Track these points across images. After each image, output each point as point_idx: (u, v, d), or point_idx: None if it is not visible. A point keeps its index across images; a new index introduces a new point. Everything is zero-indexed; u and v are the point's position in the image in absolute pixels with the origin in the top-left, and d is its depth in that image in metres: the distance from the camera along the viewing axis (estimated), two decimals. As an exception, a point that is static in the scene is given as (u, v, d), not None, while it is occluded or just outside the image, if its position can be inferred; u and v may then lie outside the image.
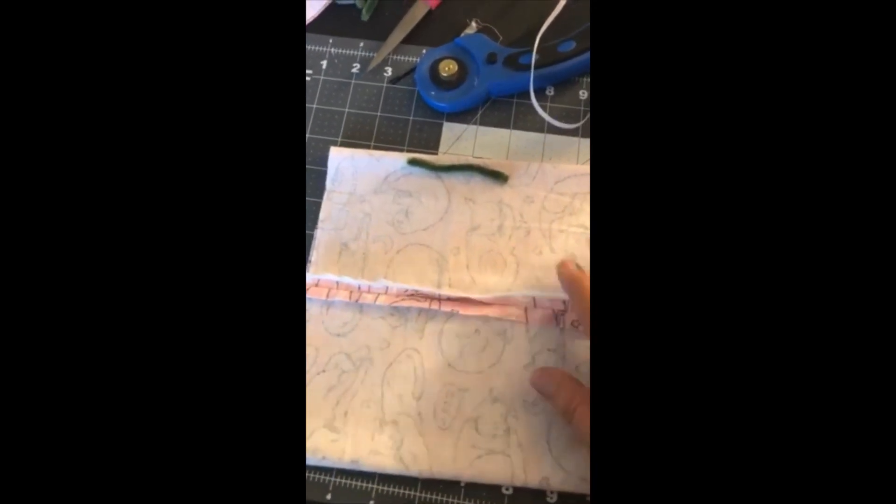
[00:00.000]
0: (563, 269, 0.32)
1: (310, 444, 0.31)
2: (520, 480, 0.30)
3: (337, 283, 0.35)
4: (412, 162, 0.37)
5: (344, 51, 0.41)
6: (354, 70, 0.40)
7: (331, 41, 0.41)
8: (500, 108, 0.39)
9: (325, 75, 0.40)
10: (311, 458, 0.31)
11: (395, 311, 0.34)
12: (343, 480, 0.31)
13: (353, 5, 0.42)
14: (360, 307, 0.34)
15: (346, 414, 0.32)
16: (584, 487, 0.30)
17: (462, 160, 0.37)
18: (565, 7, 0.38)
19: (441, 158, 0.37)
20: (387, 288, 0.34)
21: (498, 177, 0.36)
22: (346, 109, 0.40)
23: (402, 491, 0.31)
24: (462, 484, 0.31)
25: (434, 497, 0.31)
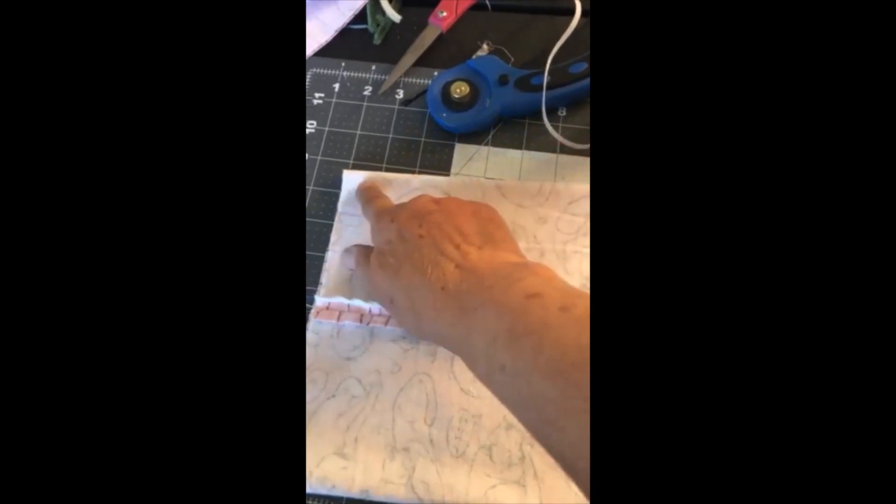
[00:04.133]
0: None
1: (319, 472, 0.30)
2: (536, 511, 0.29)
3: (348, 306, 0.34)
4: None
5: (356, 74, 0.41)
6: (366, 93, 0.41)
7: (343, 64, 0.42)
8: (512, 129, 0.39)
9: (337, 98, 0.41)
10: (321, 488, 0.30)
11: (407, 333, 0.34)
12: (353, 510, 0.31)
13: (366, 29, 0.42)
14: (371, 330, 0.34)
15: (356, 440, 0.31)
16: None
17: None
18: (577, 29, 0.38)
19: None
20: (398, 311, 0.34)
21: None
22: (358, 132, 0.40)
23: (413, 521, 0.30)
24: (476, 515, 0.30)
25: (447, 528, 0.30)
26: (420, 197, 0.31)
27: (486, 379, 0.23)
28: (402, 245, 0.28)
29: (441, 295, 0.25)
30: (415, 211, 0.30)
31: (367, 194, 0.35)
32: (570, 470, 0.19)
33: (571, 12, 0.38)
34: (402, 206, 0.31)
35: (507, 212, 0.36)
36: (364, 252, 0.32)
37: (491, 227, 0.29)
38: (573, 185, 0.36)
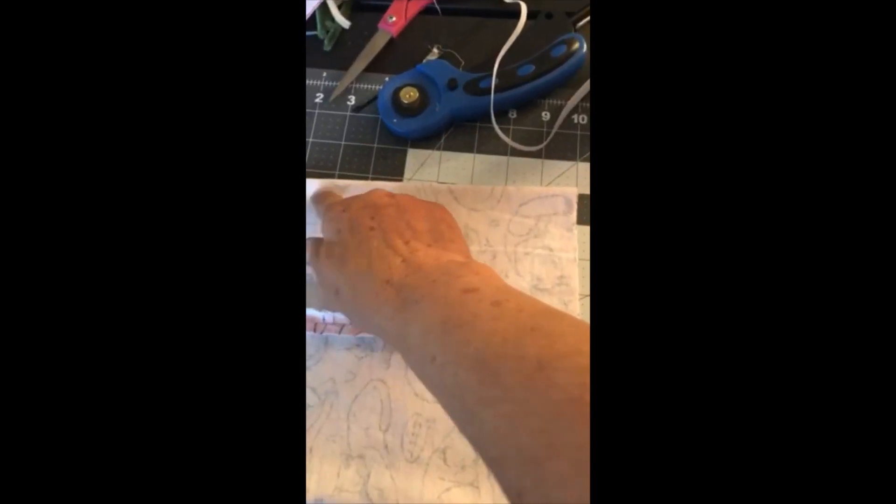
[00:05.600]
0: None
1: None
2: (488, 513, 0.30)
3: (301, 315, 0.34)
4: None
5: (308, 81, 0.41)
6: (318, 100, 0.41)
7: (294, 72, 0.41)
8: (464, 133, 0.39)
9: (289, 106, 0.40)
10: (277, 497, 0.30)
11: (361, 341, 0.34)
12: (310, 519, 0.31)
13: (315, 36, 0.42)
14: (325, 339, 0.34)
15: (310, 450, 0.31)
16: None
17: None
18: (524, 31, 0.38)
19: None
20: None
21: None
22: (311, 139, 0.40)
23: (370, 527, 0.30)
24: (431, 518, 0.30)
25: (403, 533, 0.30)
26: (375, 190, 0.31)
27: (419, 370, 0.24)
28: (351, 235, 0.28)
29: (385, 287, 0.25)
30: (368, 202, 0.30)
31: (320, 196, 0.36)
32: (485, 457, 0.20)
33: (519, 15, 0.38)
34: (356, 197, 0.31)
35: (459, 216, 0.36)
36: (317, 244, 0.32)
37: (442, 227, 0.29)
38: (524, 188, 0.37)
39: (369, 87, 0.41)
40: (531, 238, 0.36)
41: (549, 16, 0.40)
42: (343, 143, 0.39)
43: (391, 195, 0.31)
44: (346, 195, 0.37)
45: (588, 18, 0.41)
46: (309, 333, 0.34)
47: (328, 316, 0.34)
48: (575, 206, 0.36)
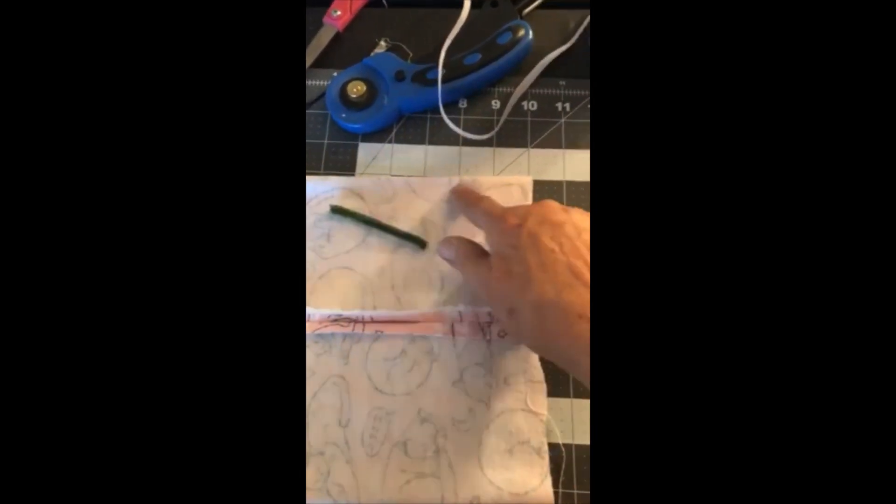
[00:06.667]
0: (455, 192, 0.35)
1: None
2: (450, 501, 0.30)
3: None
4: (335, 210, 0.36)
5: (254, 79, 0.41)
6: (266, 98, 0.40)
7: (241, 71, 0.41)
8: (415, 125, 0.39)
9: (236, 106, 0.40)
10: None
11: (320, 338, 0.33)
12: (273, 520, 0.30)
13: (261, 33, 0.42)
14: (282, 338, 0.33)
15: (270, 451, 0.31)
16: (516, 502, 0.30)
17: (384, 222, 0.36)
18: (469, 20, 0.38)
19: (365, 198, 0.37)
20: (309, 315, 0.34)
21: (417, 241, 0.35)
22: (260, 138, 0.39)
23: (334, 524, 0.30)
24: (394, 511, 0.30)
25: (368, 527, 0.30)
26: (549, 202, 0.29)
27: None
28: (533, 255, 0.27)
29: (578, 321, 0.25)
30: (544, 217, 0.28)
31: (470, 197, 0.34)
32: None
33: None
34: (529, 209, 0.29)
35: (419, 208, 0.36)
36: (471, 248, 0.30)
37: None
38: (480, 178, 0.36)
39: (317, 83, 0.40)
40: (485, 226, 0.35)
41: (494, 4, 0.40)
42: (293, 140, 0.39)
43: (565, 209, 0.29)
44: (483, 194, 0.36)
45: (534, 5, 0.41)
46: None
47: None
48: (530, 195, 0.36)
